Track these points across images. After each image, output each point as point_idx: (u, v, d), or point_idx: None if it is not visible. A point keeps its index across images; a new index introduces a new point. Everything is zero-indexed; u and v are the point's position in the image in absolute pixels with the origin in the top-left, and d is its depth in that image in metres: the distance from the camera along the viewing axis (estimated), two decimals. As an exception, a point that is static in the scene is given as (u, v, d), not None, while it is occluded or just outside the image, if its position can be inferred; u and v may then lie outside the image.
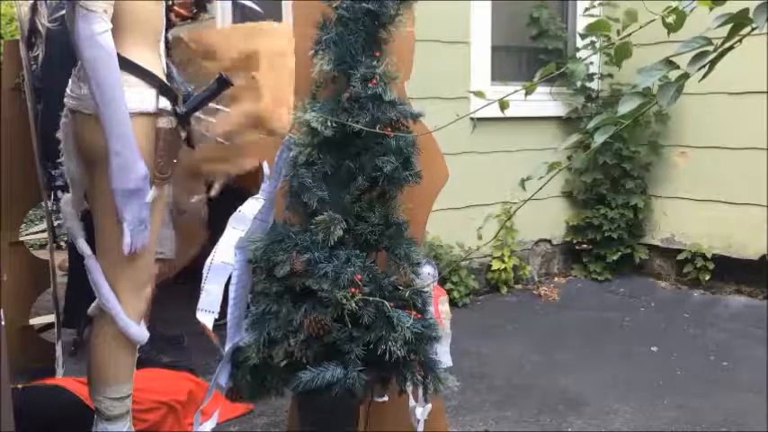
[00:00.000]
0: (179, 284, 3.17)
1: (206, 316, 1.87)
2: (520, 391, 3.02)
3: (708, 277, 4.38)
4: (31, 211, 4.00)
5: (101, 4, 1.77)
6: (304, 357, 1.77)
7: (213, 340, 1.92)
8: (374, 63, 1.81)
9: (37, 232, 4.04)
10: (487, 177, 4.32)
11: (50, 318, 2.94)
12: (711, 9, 1.17)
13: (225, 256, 1.91)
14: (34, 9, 2.75)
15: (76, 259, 2.78)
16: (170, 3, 2.75)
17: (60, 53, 2.61)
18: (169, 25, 2.83)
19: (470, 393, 2.95)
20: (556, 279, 4.74)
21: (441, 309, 2.04)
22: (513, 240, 4.42)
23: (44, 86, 2.69)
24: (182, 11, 2.94)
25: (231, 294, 1.90)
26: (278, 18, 4.46)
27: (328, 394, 1.74)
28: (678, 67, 1.16)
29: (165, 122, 1.94)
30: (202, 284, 1.90)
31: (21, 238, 3.04)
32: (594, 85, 4.71)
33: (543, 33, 4.65)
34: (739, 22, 1.11)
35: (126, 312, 1.96)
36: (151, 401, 2.44)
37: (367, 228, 1.84)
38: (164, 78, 1.95)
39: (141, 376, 2.24)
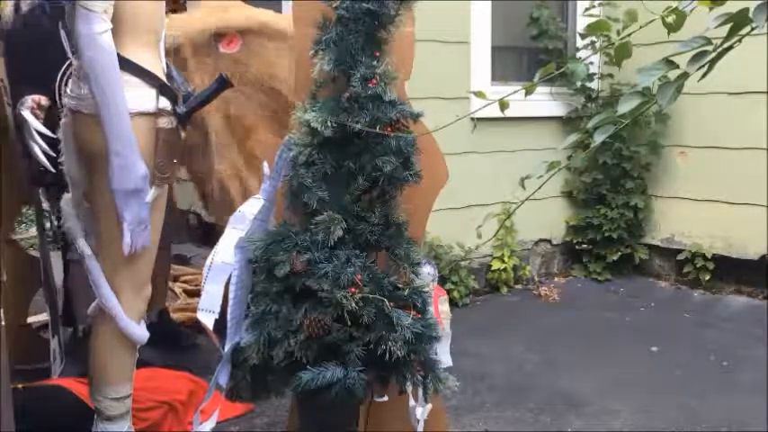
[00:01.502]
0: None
1: (207, 316, 1.87)
2: (520, 391, 3.02)
3: (708, 277, 4.38)
4: (26, 209, 3.99)
5: (101, 4, 1.77)
6: (304, 357, 1.77)
7: (214, 340, 1.92)
8: (374, 63, 1.81)
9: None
10: (487, 177, 4.32)
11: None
12: (711, 9, 1.17)
13: (225, 256, 1.91)
14: (17, 8, 2.74)
15: (72, 258, 2.79)
16: None
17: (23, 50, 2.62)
18: None
19: (470, 393, 2.95)
20: (556, 279, 4.74)
21: (441, 309, 2.04)
22: (513, 240, 4.42)
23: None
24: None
25: (231, 294, 1.90)
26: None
27: (328, 394, 1.74)
28: (678, 67, 1.16)
29: (165, 122, 1.94)
30: (203, 284, 1.90)
31: (15, 236, 3.03)
32: (594, 85, 4.71)
33: (543, 33, 4.65)
34: (739, 21, 1.11)
35: (126, 312, 1.96)
36: (151, 400, 2.44)
37: (367, 228, 1.84)
38: (164, 78, 1.95)
39: (141, 376, 2.24)
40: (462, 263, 4.16)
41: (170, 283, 4.08)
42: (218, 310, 1.89)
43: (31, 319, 3.08)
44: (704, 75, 1.14)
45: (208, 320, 1.87)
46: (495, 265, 4.37)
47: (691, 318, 4.03)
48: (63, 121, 2.02)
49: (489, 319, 3.98)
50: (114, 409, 2.03)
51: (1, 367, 1.44)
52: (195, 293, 3.99)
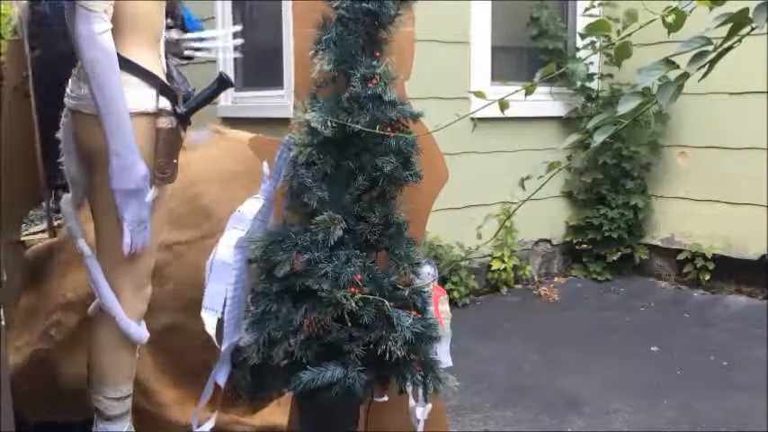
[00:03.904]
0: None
1: (210, 315, 1.87)
2: (520, 391, 3.02)
3: (708, 277, 4.38)
4: (31, 211, 3.99)
5: (101, 4, 1.77)
6: (304, 357, 1.77)
7: (214, 339, 1.91)
8: (374, 63, 1.81)
9: (37, 232, 4.03)
10: (487, 177, 4.32)
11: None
12: (711, 9, 1.17)
13: (225, 257, 1.90)
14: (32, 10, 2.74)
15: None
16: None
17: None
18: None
19: (470, 393, 2.95)
20: (556, 279, 4.74)
21: (441, 309, 2.04)
22: (513, 240, 4.43)
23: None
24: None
25: (230, 294, 1.90)
26: (278, 17, 4.47)
27: (328, 394, 1.74)
28: (678, 67, 1.16)
29: (165, 122, 1.94)
30: (206, 282, 1.89)
31: (22, 238, 3.02)
32: (594, 85, 4.71)
33: (543, 33, 4.65)
34: (739, 21, 1.11)
35: (126, 312, 1.96)
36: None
37: (367, 228, 1.84)
38: (164, 78, 1.95)
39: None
40: (462, 263, 4.17)
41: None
42: (220, 309, 1.89)
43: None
44: (704, 75, 1.14)
45: (211, 320, 1.87)
46: (495, 265, 4.37)
47: (691, 318, 4.03)
48: (63, 121, 2.01)
49: (489, 319, 3.98)
50: (114, 408, 2.03)
51: (1, 367, 1.44)
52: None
